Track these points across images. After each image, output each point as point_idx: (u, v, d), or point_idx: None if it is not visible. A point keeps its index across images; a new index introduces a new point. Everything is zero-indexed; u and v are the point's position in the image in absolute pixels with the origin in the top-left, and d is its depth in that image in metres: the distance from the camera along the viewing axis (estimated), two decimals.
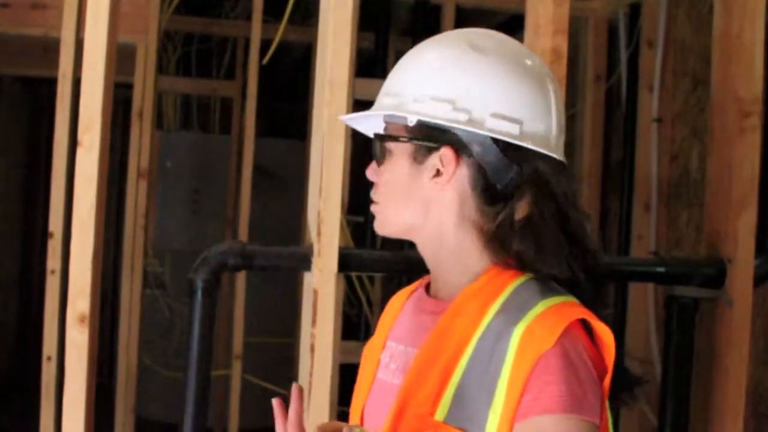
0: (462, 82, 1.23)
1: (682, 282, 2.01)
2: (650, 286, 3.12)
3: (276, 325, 4.96)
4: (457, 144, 1.23)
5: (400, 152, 1.25)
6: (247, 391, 4.12)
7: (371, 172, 1.31)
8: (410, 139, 1.24)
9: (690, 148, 3.08)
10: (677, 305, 2.02)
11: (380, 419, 1.21)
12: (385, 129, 1.28)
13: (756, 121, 1.98)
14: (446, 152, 1.23)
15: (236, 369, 4.06)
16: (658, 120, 3.21)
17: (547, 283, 1.21)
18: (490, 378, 1.12)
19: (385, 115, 1.27)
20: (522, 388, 1.09)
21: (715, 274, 1.98)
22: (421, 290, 1.34)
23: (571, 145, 3.55)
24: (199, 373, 1.81)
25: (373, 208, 1.32)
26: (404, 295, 1.41)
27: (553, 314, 1.14)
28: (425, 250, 1.29)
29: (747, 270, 1.97)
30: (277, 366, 4.61)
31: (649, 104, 3.22)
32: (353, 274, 1.84)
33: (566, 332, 1.12)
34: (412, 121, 1.23)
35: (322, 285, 1.72)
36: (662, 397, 2.04)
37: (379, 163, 1.28)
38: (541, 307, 1.15)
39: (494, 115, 1.21)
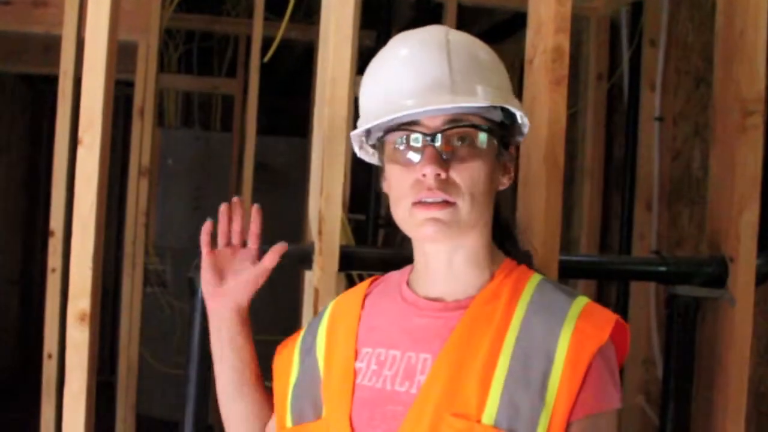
0: (509, 82, 1.27)
1: (683, 281, 2.00)
2: (651, 285, 3.12)
3: (277, 323, 4.96)
4: (514, 141, 1.29)
5: (491, 147, 1.21)
6: None
7: (443, 168, 1.17)
8: (503, 136, 1.24)
9: (692, 146, 3.07)
10: (679, 304, 2.01)
11: (386, 427, 1.17)
12: (456, 121, 1.18)
13: (759, 119, 1.98)
14: (512, 149, 1.28)
15: None
16: (660, 118, 3.20)
17: (555, 283, 1.26)
18: (538, 378, 1.12)
19: (456, 110, 1.18)
20: (578, 386, 1.11)
21: (717, 273, 1.97)
22: (407, 293, 1.29)
23: (572, 143, 3.55)
24: (199, 371, 1.80)
25: (440, 210, 1.17)
26: (357, 299, 1.34)
27: (595, 314, 1.18)
28: (459, 252, 1.23)
29: (749, 269, 1.96)
30: None
31: (651, 103, 3.22)
32: (355, 273, 1.83)
33: None
34: (523, 119, 1.25)
35: (323, 284, 1.71)
36: (664, 396, 2.04)
37: (460, 159, 1.18)
38: (576, 307, 1.18)
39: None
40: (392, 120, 1.20)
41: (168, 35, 5.16)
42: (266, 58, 2.51)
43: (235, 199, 1.46)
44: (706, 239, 2.07)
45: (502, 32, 4.14)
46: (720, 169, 2.03)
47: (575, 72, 3.56)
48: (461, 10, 3.76)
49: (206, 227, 1.44)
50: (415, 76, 1.20)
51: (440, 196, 1.17)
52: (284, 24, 2.29)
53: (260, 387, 1.42)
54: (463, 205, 1.18)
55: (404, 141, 1.21)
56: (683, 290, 2.01)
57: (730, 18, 2.01)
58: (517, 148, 1.33)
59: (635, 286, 3.18)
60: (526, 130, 1.30)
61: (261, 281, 1.42)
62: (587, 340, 1.13)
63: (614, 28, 3.51)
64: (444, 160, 1.17)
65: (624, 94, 3.38)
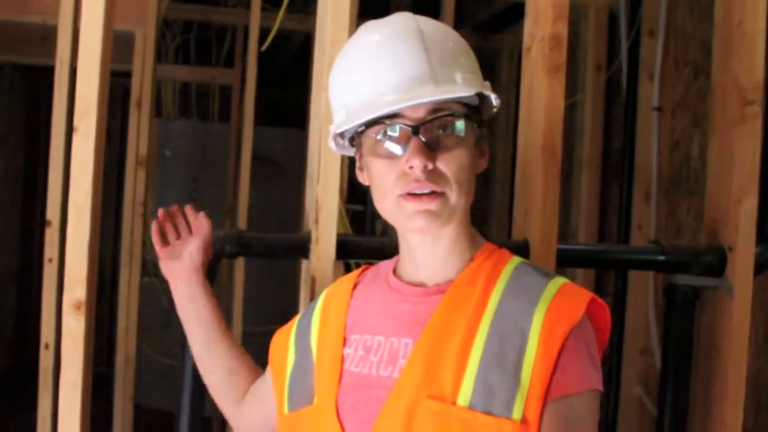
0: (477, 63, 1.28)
1: (682, 270, 2.00)
2: (650, 275, 3.12)
3: (275, 313, 4.95)
4: (486, 123, 1.29)
5: (470, 134, 1.21)
6: None
7: (429, 159, 1.17)
8: (479, 120, 1.24)
9: (690, 136, 3.06)
10: (677, 294, 2.01)
11: (369, 411, 1.18)
12: (438, 111, 1.18)
13: (757, 109, 1.97)
14: (486, 132, 1.27)
15: None
16: (659, 109, 3.20)
17: (535, 266, 1.27)
18: (512, 359, 1.12)
19: (438, 99, 1.17)
20: (552, 366, 1.11)
21: (716, 263, 1.97)
22: (392, 280, 1.30)
23: (571, 133, 3.54)
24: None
25: (430, 202, 1.18)
26: (347, 288, 1.36)
27: (569, 294, 1.18)
28: (444, 237, 1.24)
29: (747, 258, 1.96)
30: None
31: (650, 93, 3.21)
32: (352, 262, 1.83)
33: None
34: (496, 99, 1.25)
35: (319, 272, 1.71)
36: (662, 387, 2.04)
37: (446, 148, 1.18)
38: (552, 287, 1.18)
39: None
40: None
41: (165, 25, 5.13)
42: (263, 48, 2.50)
43: (173, 207, 1.64)
44: (704, 229, 2.07)
45: (501, 23, 4.13)
46: (719, 159, 2.02)
47: (573, 62, 3.55)
48: (459, 0, 3.75)
49: (155, 229, 1.60)
50: (398, 69, 1.18)
51: (429, 187, 1.17)
52: (281, 14, 2.29)
53: (229, 341, 1.52)
54: (452, 194, 1.19)
55: (386, 133, 1.20)
56: (682, 279, 2.00)
57: (729, 8, 2.01)
58: (489, 128, 1.33)
59: (634, 276, 3.18)
60: (495, 109, 1.30)
61: (207, 240, 1.58)
62: (561, 318, 1.13)
63: (613, 18, 3.50)
64: (430, 150, 1.17)
65: (622, 85, 3.37)
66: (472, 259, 1.25)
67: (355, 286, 1.36)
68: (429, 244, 1.25)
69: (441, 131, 1.18)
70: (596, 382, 1.14)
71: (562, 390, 1.11)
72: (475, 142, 1.23)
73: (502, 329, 1.14)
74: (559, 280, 1.20)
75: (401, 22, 1.23)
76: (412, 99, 1.16)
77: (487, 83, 1.25)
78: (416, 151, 1.16)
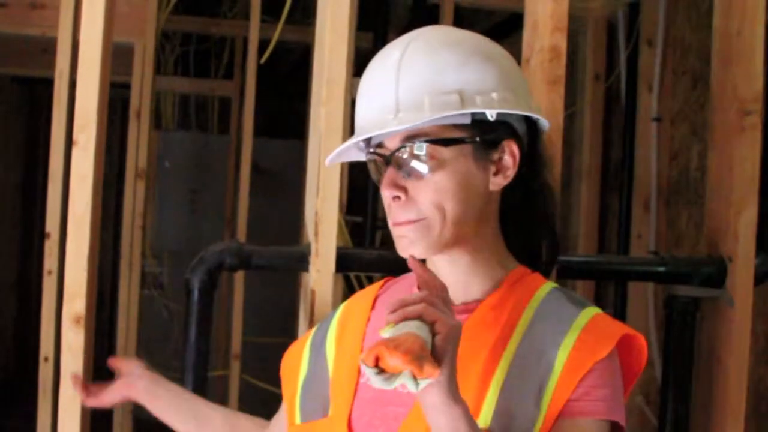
0: (498, 70, 1.19)
1: (682, 281, 2.00)
2: (650, 286, 3.11)
3: (275, 325, 4.95)
4: (515, 134, 1.21)
5: (458, 155, 1.16)
6: (246, 392, 4.11)
7: (398, 189, 1.15)
8: (480, 138, 1.16)
9: (690, 146, 3.07)
10: (677, 305, 2.01)
11: (386, 428, 1.17)
12: (412, 138, 1.15)
13: (756, 119, 1.97)
14: (512, 145, 1.19)
15: (234, 369, 4.05)
16: (658, 119, 3.20)
17: (567, 292, 1.24)
18: (535, 386, 1.11)
19: (407, 126, 1.13)
20: (570, 394, 1.10)
21: (716, 273, 1.97)
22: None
23: (570, 144, 3.54)
24: (195, 374, 1.80)
25: (406, 227, 1.16)
26: (368, 301, 1.34)
27: (601, 326, 1.16)
28: (460, 259, 1.21)
29: (747, 268, 1.95)
30: (276, 366, 4.58)
31: (649, 103, 3.22)
32: (352, 275, 1.84)
33: None
34: (492, 115, 1.15)
35: (319, 285, 1.71)
36: (662, 397, 2.03)
37: (417, 176, 1.15)
38: (583, 318, 1.16)
39: (524, 96, 1.22)
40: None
41: (165, 37, 5.14)
42: (263, 60, 2.51)
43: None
44: (704, 239, 2.07)
45: (499, 33, 4.14)
46: (718, 169, 2.02)
47: (572, 73, 3.55)
48: (458, 11, 3.76)
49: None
50: (366, 100, 1.20)
51: (403, 216, 1.16)
52: (280, 26, 2.29)
53: (212, 404, 1.56)
54: (434, 219, 1.16)
55: (374, 162, 1.21)
56: (682, 290, 2.00)
57: (727, 18, 2.01)
58: (532, 138, 1.25)
59: (634, 287, 3.18)
60: (534, 120, 1.24)
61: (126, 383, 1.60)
62: (587, 352, 1.12)
63: (611, 28, 3.51)
64: (404, 179, 1.16)
65: (621, 95, 3.38)
66: (501, 281, 1.23)
67: (375, 299, 1.34)
68: (444, 262, 1.22)
69: (415, 159, 1.15)
70: (613, 413, 1.12)
71: (575, 413, 1.10)
72: (475, 158, 1.17)
73: (527, 355, 1.13)
74: (591, 311, 1.18)
75: (392, 46, 1.22)
76: (369, 131, 1.17)
77: (488, 97, 1.17)
78: (386, 184, 1.16)
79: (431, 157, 1.15)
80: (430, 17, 3.71)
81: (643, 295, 3.15)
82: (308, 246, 1.76)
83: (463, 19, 3.82)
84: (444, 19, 3.68)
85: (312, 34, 2.03)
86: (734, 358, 1.95)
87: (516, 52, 2.01)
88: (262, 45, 3.64)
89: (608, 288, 3.46)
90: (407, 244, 1.17)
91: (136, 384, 1.57)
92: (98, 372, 1.78)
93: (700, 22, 2.99)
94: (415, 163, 1.15)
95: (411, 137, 1.15)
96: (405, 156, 1.15)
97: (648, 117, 3.21)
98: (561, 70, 1.78)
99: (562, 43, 1.78)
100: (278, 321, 4.94)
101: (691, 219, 3.01)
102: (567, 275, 1.96)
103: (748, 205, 1.95)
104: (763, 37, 1.99)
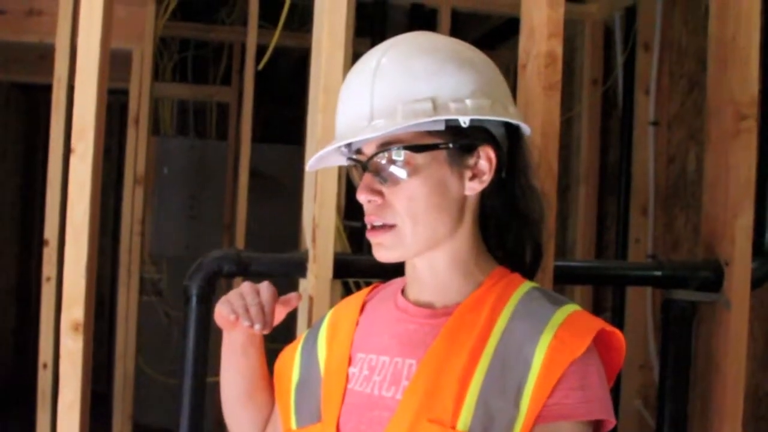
0: (474, 76, 1.20)
1: (679, 285, 2.00)
2: (648, 290, 3.12)
3: (273, 331, 4.94)
4: (492, 139, 1.22)
5: (431, 161, 1.17)
6: None
7: (374, 194, 1.18)
8: (453, 144, 1.17)
9: (687, 150, 3.07)
10: (675, 309, 2.01)
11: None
12: (387, 145, 1.17)
13: (752, 123, 1.98)
14: (488, 150, 1.20)
15: None
16: (655, 123, 3.21)
17: (546, 291, 1.24)
18: (514, 386, 1.11)
19: (383, 132, 1.14)
20: (549, 393, 1.10)
21: (713, 277, 1.97)
22: (400, 299, 1.29)
23: (567, 148, 3.55)
24: (194, 380, 1.80)
25: (382, 236, 1.19)
26: (356, 305, 1.35)
27: (577, 323, 1.16)
28: (439, 262, 1.22)
29: (744, 272, 1.96)
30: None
31: (646, 107, 3.22)
32: (351, 281, 1.84)
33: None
34: (465, 122, 1.16)
35: (317, 292, 1.71)
36: (660, 400, 2.04)
37: (393, 182, 1.17)
38: (560, 315, 1.17)
39: (501, 102, 1.22)
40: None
41: (163, 44, 5.15)
42: (261, 66, 2.51)
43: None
44: (701, 243, 2.07)
45: (497, 38, 4.15)
46: (714, 173, 2.03)
47: (569, 77, 3.56)
48: (455, 16, 3.76)
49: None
50: (343, 108, 1.22)
51: (378, 221, 1.19)
52: (278, 32, 2.30)
53: (271, 391, 1.43)
54: (404, 226, 1.18)
55: (354, 169, 1.24)
56: (679, 295, 2.01)
57: (723, 22, 2.01)
58: (512, 142, 1.26)
59: (631, 291, 3.18)
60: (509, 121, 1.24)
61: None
62: (564, 349, 1.12)
63: (608, 33, 3.52)
64: (380, 184, 1.18)
65: (618, 99, 3.38)
66: (481, 283, 1.24)
67: (364, 304, 1.35)
68: (425, 264, 1.24)
69: (390, 164, 1.17)
70: (593, 413, 1.12)
71: (554, 416, 1.10)
72: (450, 164, 1.18)
73: (505, 355, 1.13)
74: (568, 308, 1.18)
75: (369, 55, 1.23)
76: (343, 139, 1.19)
77: (474, 102, 1.18)
78: (362, 188, 1.19)
79: (407, 162, 1.17)
80: (428, 23, 3.72)
81: (641, 299, 3.15)
82: (306, 252, 1.76)
83: (459, 24, 3.82)
84: (441, 25, 3.69)
85: (310, 39, 2.03)
86: (731, 361, 1.95)
87: (513, 58, 2.01)
88: (260, 51, 3.65)
89: (607, 292, 3.46)
90: (384, 251, 1.20)
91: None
92: (96, 377, 1.78)
93: (696, 25, 3.00)
94: (391, 169, 1.17)
95: (386, 144, 1.17)
96: (382, 162, 1.18)
97: (645, 121, 3.22)
98: (557, 76, 1.79)
99: (558, 49, 1.79)
100: (277, 327, 4.92)
101: (689, 222, 3.02)
102: (564, 280, 1.96)
103: (744, 209, 1.96)
104: (758, 41, 2.00)
